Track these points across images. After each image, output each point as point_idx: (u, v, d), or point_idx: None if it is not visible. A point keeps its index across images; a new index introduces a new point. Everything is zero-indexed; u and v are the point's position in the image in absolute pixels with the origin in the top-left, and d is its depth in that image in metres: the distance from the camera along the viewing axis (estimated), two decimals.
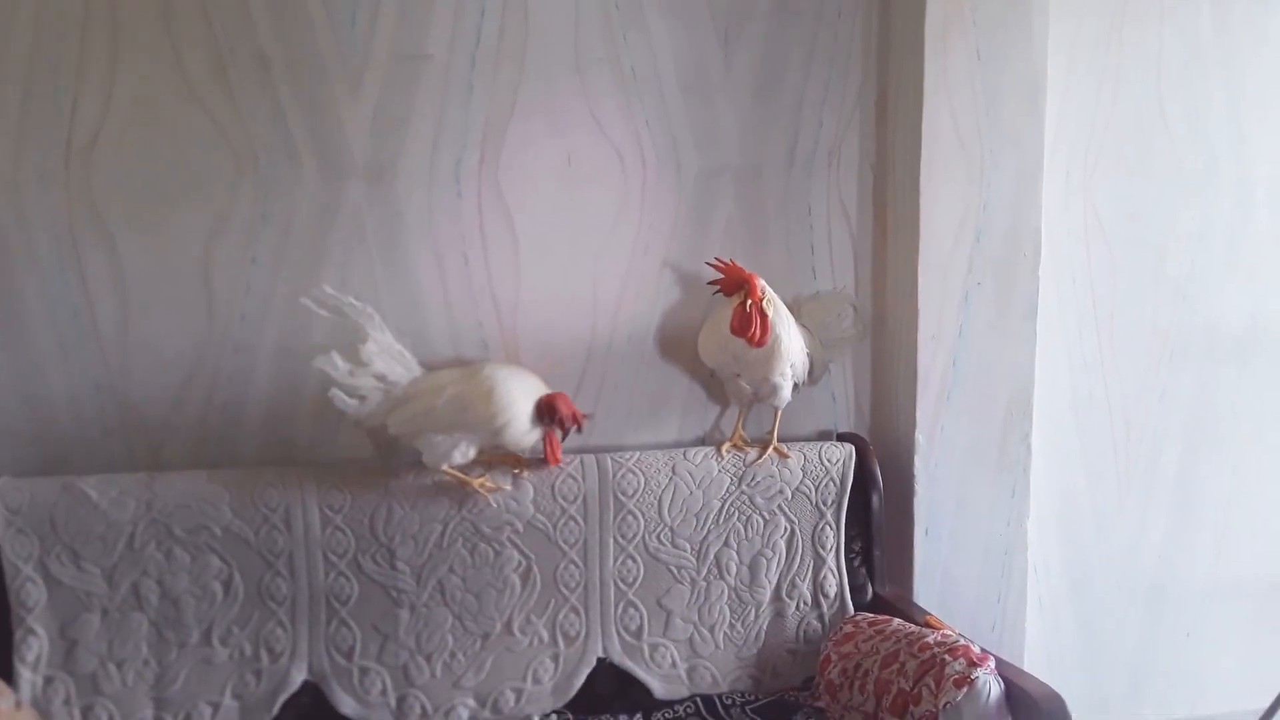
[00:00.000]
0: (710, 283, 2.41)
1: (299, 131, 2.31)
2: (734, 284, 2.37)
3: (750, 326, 2.32)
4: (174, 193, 2.27)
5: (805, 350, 2.45)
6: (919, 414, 2.54)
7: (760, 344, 2.34)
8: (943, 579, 2.60)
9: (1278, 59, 2.81)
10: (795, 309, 2.50)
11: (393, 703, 2.22)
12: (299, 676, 2.19)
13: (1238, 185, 2.84)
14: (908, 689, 2.02)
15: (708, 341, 2.44)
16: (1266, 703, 2.79)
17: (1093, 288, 2.80)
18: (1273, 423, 2.95)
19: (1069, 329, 2.79)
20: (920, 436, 2.55)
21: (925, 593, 2.59)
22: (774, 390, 2.42)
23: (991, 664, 1.99)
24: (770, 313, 2.34)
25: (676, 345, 2.55)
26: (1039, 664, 2.78)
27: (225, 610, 2.17)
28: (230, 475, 2.21)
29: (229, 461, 2.33)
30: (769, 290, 2.37)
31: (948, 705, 1.93)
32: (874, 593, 2.50)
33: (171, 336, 2.30)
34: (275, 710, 2.17)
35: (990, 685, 1.95)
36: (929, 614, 2.35)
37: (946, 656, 2.01)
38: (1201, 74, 2.77)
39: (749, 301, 2.32)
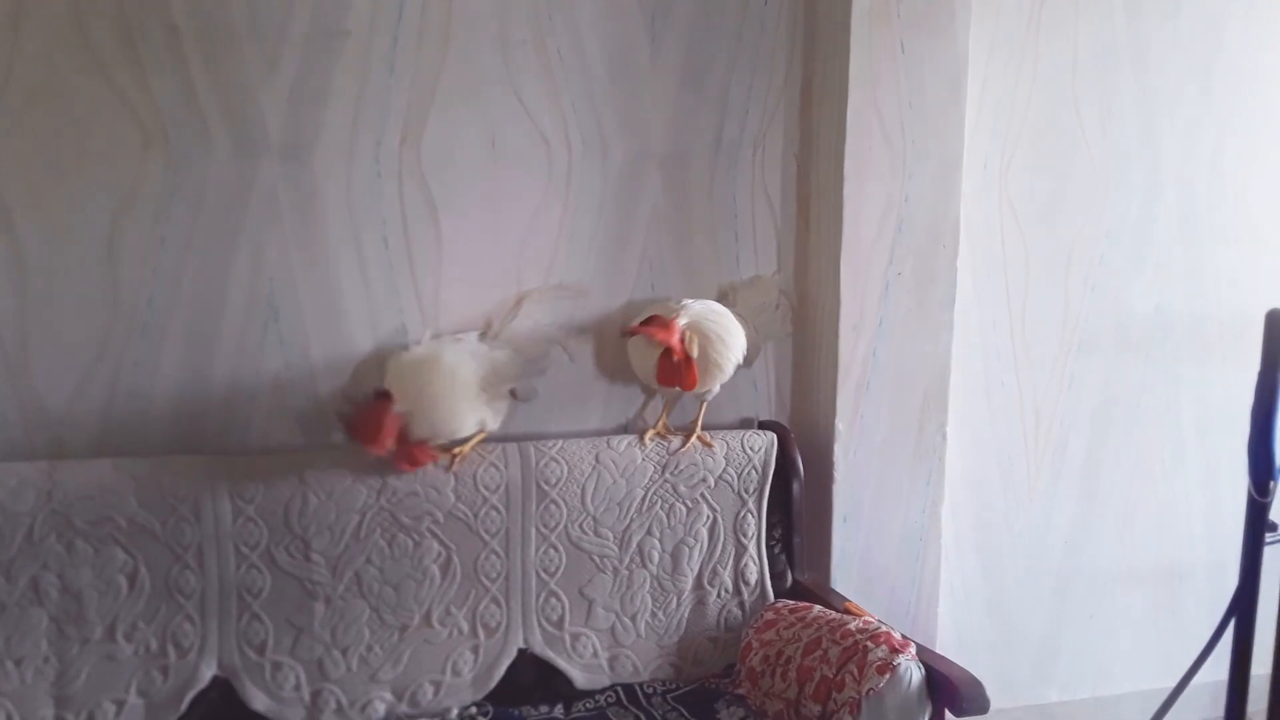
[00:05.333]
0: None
1: (211, 107, 2.22)
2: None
3: (676, 377, 2.33)
4: (78, 170, 2.16)
5: (743, 341, 2.45)
6: (839, 402, 2.56)
7: (691, 389, 2.36)
8: (860, 565, 2.63)
9: (1186, 59, 2.88)
10: (729, 295, 2.50)
11: (306, 698, 2.16)
12: (208, 672, 2.12)
13: (1147, 181, 2.91)
14: (831, 676, 2.03)
15: (638, 367, 2.42)
16: (1166, 683, 2.88)
17: (1007, 279, 2.85)
18: (1173, 413, 3.05)
19: (984, 319, 2.84)
20: (840, 425, 2.57)
21: (843, 579, 2.61)
22: (705, 388, 2.43)
23: (912, 650, 2.02)
24: (694, 351, 2.32)
25: (601, 332, 2.53)
26: (950, 647, 2.83)
27: (130, 605, 2.08)
28: (136, 465, 2.13)
29: (134, 450, 2.23)
30: (694, 317, 2.34)
31: (870, 692, 1.95)
32: (794, 580, 2.52)
33: (73, 320, 2.20)
34: (183, 707, 2.09)
35: (912, 671, 1.98)
36: (848, 600, 2.38)
37: (869, 643, 2.03)
38: (1114, 71, 2.83)
39: (675, 360, 2.31)
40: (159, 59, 2.18)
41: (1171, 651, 3.07)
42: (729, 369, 2.41)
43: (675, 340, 2.29)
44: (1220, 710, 2.48)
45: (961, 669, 2.00)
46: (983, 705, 1.92)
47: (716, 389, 2.44)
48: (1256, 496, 2.24)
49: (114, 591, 2.07)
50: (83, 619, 2.05)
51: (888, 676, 1.96)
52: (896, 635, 2.06)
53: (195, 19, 2.19)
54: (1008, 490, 2.94)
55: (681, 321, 2.32)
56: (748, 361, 2.55)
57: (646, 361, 2.37)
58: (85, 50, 2.14)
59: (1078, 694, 3.07)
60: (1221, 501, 3.10)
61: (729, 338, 2.39)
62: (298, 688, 2.16)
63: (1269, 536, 2.26)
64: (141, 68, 2.17)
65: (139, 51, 2.17)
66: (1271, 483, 2.23)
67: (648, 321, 2.32)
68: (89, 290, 2.20)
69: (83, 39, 2.13)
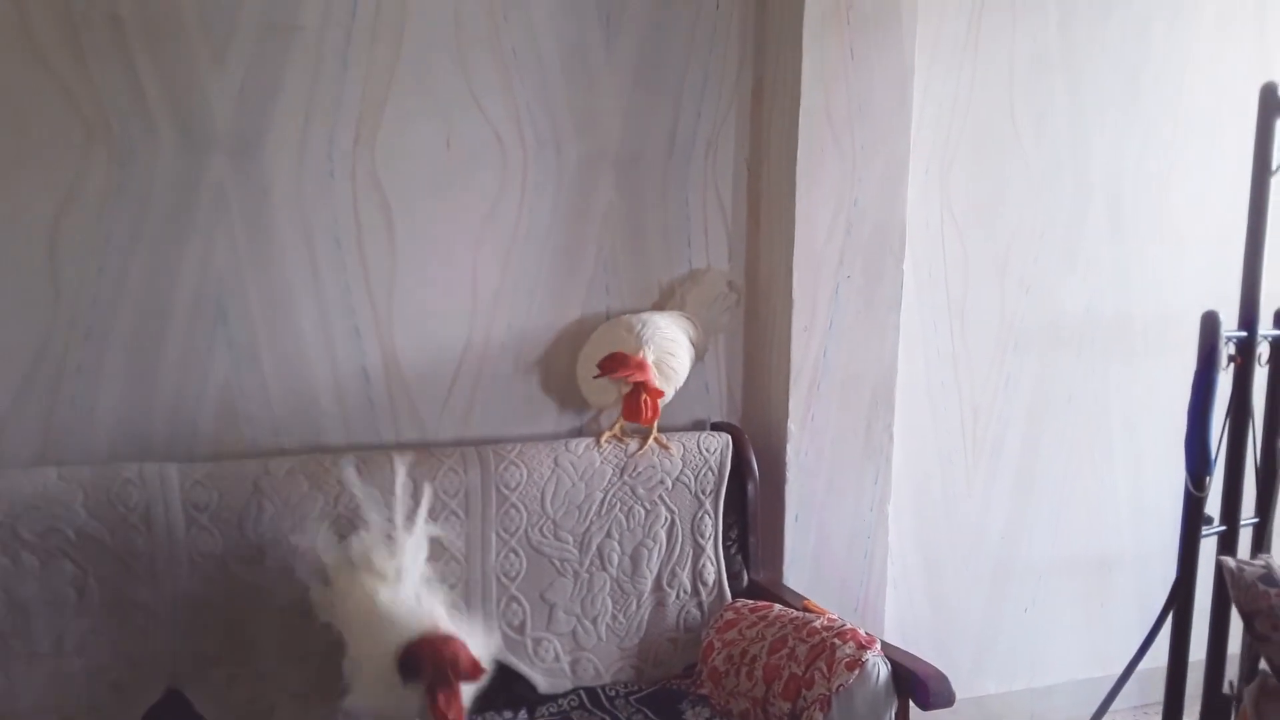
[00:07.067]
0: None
1: (157, 100, 2.15)
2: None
3: (641, 414, 2.36)
4: (17, 163, 2.07)
5: (691, 349, 2.49)
6: (791, 404, 2.59)
7: (648, 425, 2.40)
8: (811, 563, 2.67)
9: (1114, 67, 2.99)
10: (677, 295, 2.52)
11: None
12: (161, 686, 2.05)
13: (1077, 186, 3.01)
14: (799, 673, 2.06)
15: (590, 393, 2.46)
16: (1095, 673, 3.00)
17: (947, 280, 2.91)
18: (1102, 409, 3.16)
19: (925, 320, 2.90)
20: (792, 425, 2.60)
21: (795, 577, 2.65)
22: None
23: (878, 646, 2.06)
24: (659, 382, 2.36)
25: (557, 334, 2.52)
26: (893, 641, 2.88)
27: (79, 618, 2.00)
28: (83, 473, 2.04)
29: (79, 457, 2.14)
30: (656, 351, 2.37)
31: (840, 688, 1.98)
32: (750, 579, 2.54)
33: (12, 321, 2.10)
34: None
35: (879, 667, 2.02)
36: (806, 599, 2.41)
37: (835, 641, 2.06)
38: (1048, 79, 2.92)
39: (643, 397, 2.34)
40: (102, 50, 2.09)
41: (1100, 642, 3.20)
42: (675, 387, 2.47)
43: (650, 378, 2.33)
44: (1148, 698, 2.59)
45: (926, 664, 2.04)
46: (949, 699, 1.97)
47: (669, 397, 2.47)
48: (1193, 490, 2.33)
49: (62, 604, 1.98)
50: (29, 633, 1.96)
51: (857, 673, 1.99)
52: (862, 632, 2.09)
53: (140, 8, 2.11)
54: (947, 486, 3.01)
55: (651, 358, 2.35)
56: (698, 357, 2.57)
57: (605, 396, 2.41)
58: (25, 39, 2.04)
59: (1014, 684, 3.16)
60: (1145, 495, 3.23)
61: (681, 356, 2.45)
62: (253, 701, 2.10)
63: (1204, 529, 2.36)
64: (84, 58, 2.09)
65: (82, 41, 2.08)
66: (1207, 477, 2.33)
67: (617, 360, 2.32)
68: (28, 290, 2.11)
69: (23, 28, 2.04)
